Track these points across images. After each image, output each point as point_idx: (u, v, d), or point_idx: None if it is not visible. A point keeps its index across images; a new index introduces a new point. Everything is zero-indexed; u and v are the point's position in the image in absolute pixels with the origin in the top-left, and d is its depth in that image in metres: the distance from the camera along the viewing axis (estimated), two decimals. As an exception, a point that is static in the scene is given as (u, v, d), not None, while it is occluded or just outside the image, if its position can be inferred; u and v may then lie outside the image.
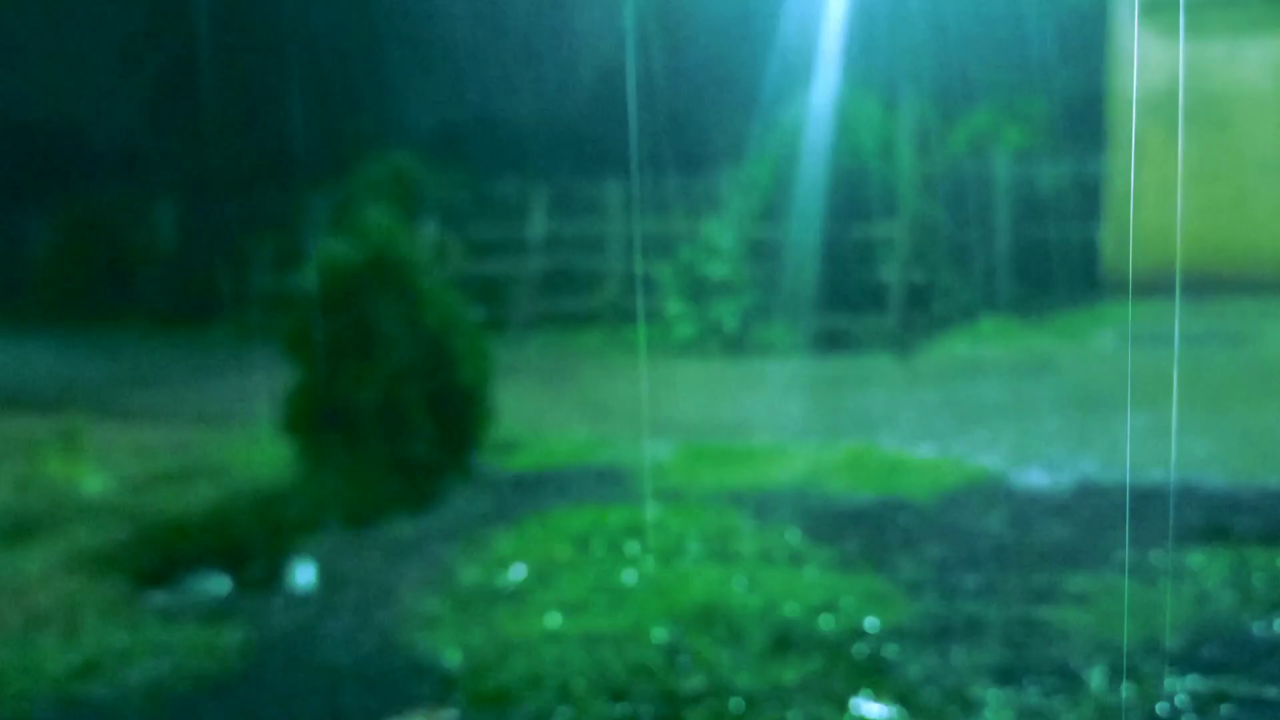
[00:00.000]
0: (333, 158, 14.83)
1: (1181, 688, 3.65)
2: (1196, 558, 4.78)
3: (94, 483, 6.63)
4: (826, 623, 4.27)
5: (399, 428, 6.34)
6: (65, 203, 17.27)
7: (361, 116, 16.74)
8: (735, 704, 3.69)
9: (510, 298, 14.08)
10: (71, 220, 17.11)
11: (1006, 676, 3.79)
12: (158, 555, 5.35)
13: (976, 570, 4.81)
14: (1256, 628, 4.10)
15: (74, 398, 9.67)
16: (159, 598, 4.88)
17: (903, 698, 3.68)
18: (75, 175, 17.35)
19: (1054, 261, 13.86)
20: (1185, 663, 3.81)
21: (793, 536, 5.31)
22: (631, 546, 5.22)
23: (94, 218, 17.01)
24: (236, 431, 7.94)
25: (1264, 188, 12.81)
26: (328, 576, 5.15)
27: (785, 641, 4.12)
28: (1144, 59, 13.76)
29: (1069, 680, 3.75)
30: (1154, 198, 13.65)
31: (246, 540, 5.55)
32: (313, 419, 6.36)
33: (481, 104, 16.68)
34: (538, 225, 14.84)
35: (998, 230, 13.87)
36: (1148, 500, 5.71)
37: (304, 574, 5.19)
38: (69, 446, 6.84)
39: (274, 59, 16.15)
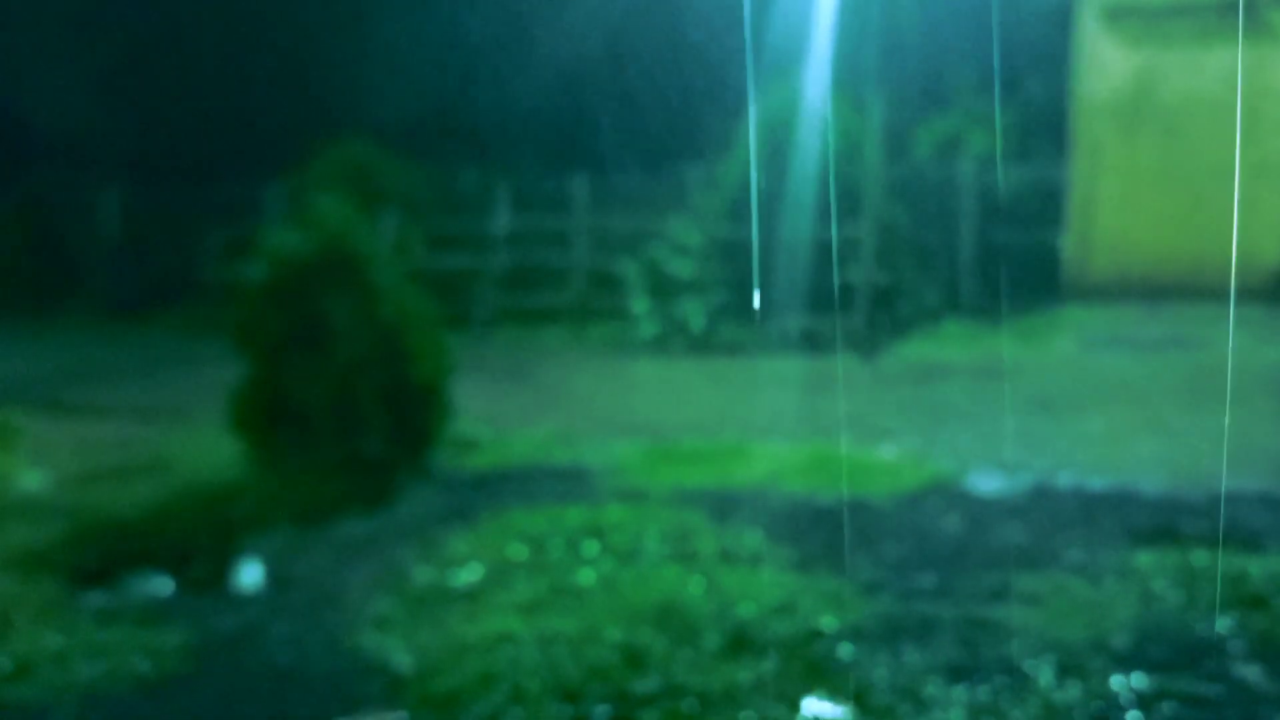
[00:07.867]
0: (291, 148, 14.63)
1: (1126, 685, 3.68)
2: (1145, 558, 4.81)
3: (31, 479, 6.47)
4: (783, 623, 4.20)
5: (352, 424, 6.22)
6: (9, 191, 16.94)
7: (322, 107, 16.54)
8: (689, 704, 3.62)
9: (473, 293, 13.95)
10: (16, 209, 16.79)
11: (958, 675, 3.78)
12: (96, 554, 5.20)
13: (933, 570, 4.77)
14: (1200, 627, 4.13)
15: (13, 391, 9.44)
16: (97, 598, 4.74)
17: (856, 697, 3.63)
18: (20, 163, 17.02)
19: (1017, 266, 13.89)
20: (1131, 661, 3.84)
21: (752, 537, 5.24)
22: (590, 547, 5.14)
23: (39, 207, 16.70)
24: (183, 427, 7.78)
25: (1214, 195, 12.86)
26: (275, 577, 5.04)
27: (741, 642, 4.05)
28: (1106, 67, 13.83)
29: (1018, 678, 3.74)
30: (1114, 204, 13.71)
31: (191, 539, 5.41)
32: (262, 414, 6.24)
33: (445, 97, 16.53)
34: (502, 220, 14.73)
35: (962, 234, 13.90)
36: (1100, 502, 5.72)
37: (250, 574, 5.07)
38: (4, 442, 6.66)
39: (232, 47, 15.97)
